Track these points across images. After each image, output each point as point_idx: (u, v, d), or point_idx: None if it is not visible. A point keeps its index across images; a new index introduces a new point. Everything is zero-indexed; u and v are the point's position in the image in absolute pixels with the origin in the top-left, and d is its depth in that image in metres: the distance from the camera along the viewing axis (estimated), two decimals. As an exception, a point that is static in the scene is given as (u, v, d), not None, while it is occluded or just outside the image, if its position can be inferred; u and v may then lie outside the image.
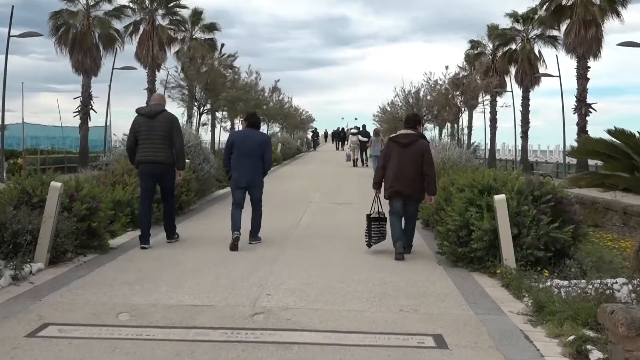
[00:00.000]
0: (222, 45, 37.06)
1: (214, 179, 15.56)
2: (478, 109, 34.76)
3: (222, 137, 36.87)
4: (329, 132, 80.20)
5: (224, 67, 30.35)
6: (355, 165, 32.38)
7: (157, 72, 35.39)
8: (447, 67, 28.36)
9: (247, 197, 8.96)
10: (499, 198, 7.07)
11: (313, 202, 14.51)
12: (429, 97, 29.90)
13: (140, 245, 8.34)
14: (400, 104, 31.62)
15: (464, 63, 37.60)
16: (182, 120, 23.19)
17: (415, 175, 8.27)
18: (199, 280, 6.53)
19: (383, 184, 8.44)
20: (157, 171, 8.51)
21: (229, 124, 35.99)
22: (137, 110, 8.66)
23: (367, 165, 31.02)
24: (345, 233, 9.97)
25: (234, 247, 8.36)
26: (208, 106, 28.19)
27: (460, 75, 31.94)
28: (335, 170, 26.92)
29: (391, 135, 9.71)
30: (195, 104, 27.12)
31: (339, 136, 57.58)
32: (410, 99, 30.21)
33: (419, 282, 6.70)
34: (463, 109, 30.50)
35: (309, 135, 63.61)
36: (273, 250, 8.33)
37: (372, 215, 8.47)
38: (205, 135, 32.90)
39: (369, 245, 8.51)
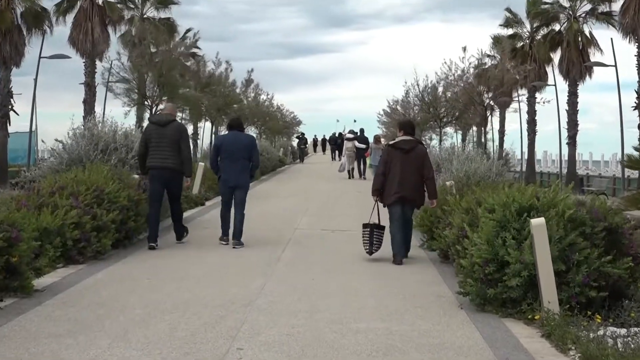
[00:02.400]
0: (188, 30, 37.15)
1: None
2: (511, 107, 34.84)
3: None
4: (319, 139, 79.89)
5: (184, 56, 30.46)
6: (350, 176, 32.64)
7: (98, 62, 35.39)
8: (464, 49, 28.10)
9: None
10: (537, 223, 7.12)
11: (299, 228, 14.54)
12: (449, 94, 30.02)
13: (148, 245, 11.33)
14: (413, 101, 31.72)
15: (492, 48, 37.72)
16: (131, 123, 23.23)
17: (418, 180, 10.66)
18: (151, 331, 6.53)
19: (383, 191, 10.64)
20: (166, 176, 11.49)
21: (191, 128, 36.03)
22: (150, 119, 12.68)
23: (364, 178, 31.45)
24: (342, 270, 9.99)
25: (224, 242, 11.82)
26: (163, 105, 28.25)
27: (487, 64, 32.01)
28: (328, 187, 26.98)
29: (390, 142, 11.67)
30: (147, 102, 27.11)
31: (335, 143, 57.71)
32: (426, 96, 30.31)
33: (435, 332, 6.71)
34: (493, 109, 30.58)
35: (295, 142, 62.87)
36: (245, 293, 8.33)
37: (371, 223, 10.71)
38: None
39: (371, 253, 10.71)
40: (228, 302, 7.78)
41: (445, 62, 28.02)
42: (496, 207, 7.81)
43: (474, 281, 7.54)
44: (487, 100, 28.22)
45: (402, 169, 10.59)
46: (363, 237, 10.90)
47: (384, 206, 10.92)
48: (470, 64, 28.26)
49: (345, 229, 14.33)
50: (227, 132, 12.39)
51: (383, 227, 10.82)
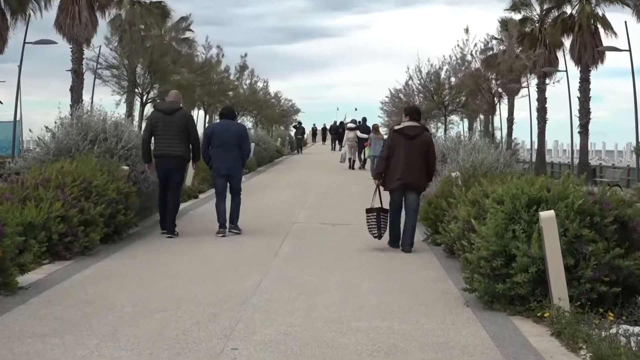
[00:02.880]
0: (183, 18, 37.01)
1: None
2: (520, 94, 34.76)
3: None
4: (319, 128, 79.03)
5: (177, 41, 30.44)
6: (351, 167, 32.92)
7: (86, 48, 35.30)
8: (467, 30, 27.99)
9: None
10: (546, 215, 7.12)
11: (298, 222, 14.55)
12: (453, 80, 29.99)
13: (160, 231, 12.24)
14: (417, 88, 31.68)
15: (500, 32, 37.64)
16: (121, 112, 23.22)
17: (422, 167, 11.22)
18: (141, 330, 6.54)
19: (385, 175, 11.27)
20: (172, 164, 12.23)
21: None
22: (155, 106, 13.10)
23: (363, 168, 32.06)
24: (342, 265, 10.01)
25: (220, 234, 12.30)
26: (155, 93, 28.23)
27: (494, 48, 31.93)
28: (328, 179, 26.99)
29: (396, 127, 11.91)
30: (137, 90, 27.10)
31: (336, 132, 57.58)
32: (429, 83, 30.28)
33: (439, 330, 6.73)
34: (500, 96, 30.54)
35: (292, 131, 62.24)
36: (240, 290, 8.34)
37: (376, 207, 11.29)
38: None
39: (380, 237, 11.29)
40: (222, 300, 7.78)
41: (457, 45, 28.00)
42: (505, 198, 7.80)
43: (481, 277, 7.54)
44: (495, 87, 28.20)
45: (406, 155, 11.07)
46: (368, 222, 11.34)
47: (385, 190, 11.49)
48: (476, 47, 28.22)
49: (345, 223, 14.34)
50: (218, 120, 13.21)
51: (387, 210, 11.37)
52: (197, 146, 12.57)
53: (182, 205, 13.55)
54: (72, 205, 10.10)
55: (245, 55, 45.49)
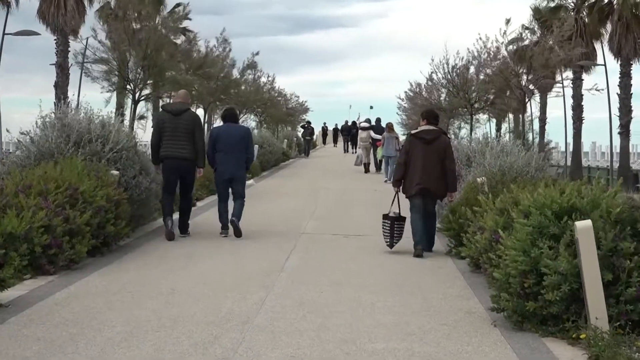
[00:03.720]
0: (178, 5, 37.07)
1: (158, 200, 15.54)
2: (554, 91, 34.71)
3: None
4: (330, 128, 78.10)
5: (173, 32, 30.46)
6: (367, 170, 32.93)
7: (72, 40, 35.47)
8: (508, 21, 27.90)
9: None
10: (583, 226, 7.10)
11: (306, 232, 14.56)
12: (481, 75, 29.93)
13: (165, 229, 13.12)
14: (440, 83, 31.65)
15: (533, 22, 37.62)
16: (110, 110, 23.29)
17: (440, 172, 12.01)
18: (133, 352, 6.54)
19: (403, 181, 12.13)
20: (180, 166, 13.15)
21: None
22: (163, 107, 14.31)
23: (379, 171, 32.18)
24: (355, 281, 10.02)
25: (223, 234, 13.51)
26: (148, 90, 28.29)
27: (526, 39, 31.84)
28: (339, 184, 26.99)
29: (412, 131, 13.03)
30: (129, 87, 27.15)
31: (349, 133, 57.52)
32: (455, 77, 30.23)
33: (464, 354, 6.72)
34: (532, 93, 30.46)
35: (300, 132, 61.39)
36: (242, 308, 8.35)
37: (391, 215, 12.15)
38: (144, 133, 33.00)
39: (392, 246, 12.13)
40: (223, 319, 7.80)
41: (480, 38, 27.93)
42: (532, 209, 7.78)
43: (510, 295, 7.53)
44: (526, 83, 28.06)
45: (424, 160, 11.99)
46: (383, 228, 12.33)
47: (406, 196, 12.34)
48: (507, 39, 28.05)
49: (359, 234, 14.36)
50: (221, 123, 14.48)
51: (404, 219, 12.28)
52: (202, 151, 13.38)
53: (177, 215, 13.63)
54: (56, 214, 10.12)
55: (257, 53, 45.46)
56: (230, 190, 13.77)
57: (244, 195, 13.71)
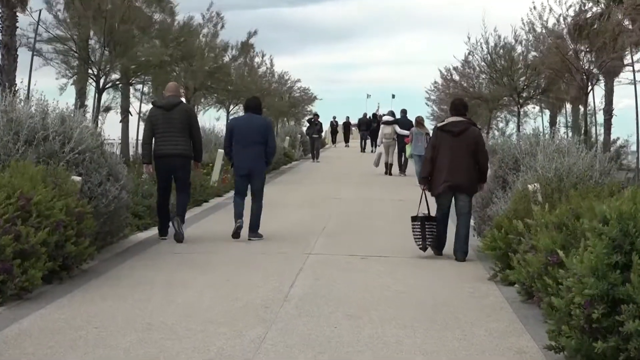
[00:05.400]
0: None
1: (129, 212, 15.55)
2: (622, 76, 34.59)
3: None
4: (340, 123, 75.36)
5: (148, 3, 30.49)
6: (388, 172, 33.01)
7: (20, 14, 35.52)
8: None
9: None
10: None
11: (315, 253, 14.55)
12: (531, 56, 29.87)
13: (159, 237, 15.26)
14: (479, 68, 31.61)
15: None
16: (66, 102, 23.31)
17: (470, 166, 13.44)
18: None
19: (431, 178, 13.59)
20: (175, 163, 15.04)
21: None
22: (154, 103, 15.85)
23: (404, 174, 32.98)
24: (377, 313, 9.98)
25: (236, 235, 15.34)
26: (116, 75, 28.30)
27: (589, 12, 31.75)
28: (355, 192, 27.08)
29: (438, 124, 14.45)
30: (91, 71, 27.13)
31: (368, 128, 57.37)
32: (498, 59, 30.20)
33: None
34: (597, 78, 30.23)
35: (305, 127, 57.49)
36: (237, 348, 8.32)
37: (420, 215, 13.60)
38: (112, 129, 33.03)
39: (425, 248, 13.62)
40: (222, 351, 7.76)
41: (534, 7, 27.89)
42: (611, 220, 7.56)
43: (572, 330, 7.44)
44: (588, 65, 27.92)
45: (452, 154, 13.43)
46: (413, 231, 13.77)
47: (432, 195, 13.82)
48: (565, 9, 27.95)
49: (379, 254, 14.36)
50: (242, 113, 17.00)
51: (434, 218, 13.77)
52: (200, 143, 15.55)
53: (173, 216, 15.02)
54: (4, 231, 10.08)
55: (255, 32, 45.47)
56: (249, 188, 15.67)
57: (262, 193, 15.71)
